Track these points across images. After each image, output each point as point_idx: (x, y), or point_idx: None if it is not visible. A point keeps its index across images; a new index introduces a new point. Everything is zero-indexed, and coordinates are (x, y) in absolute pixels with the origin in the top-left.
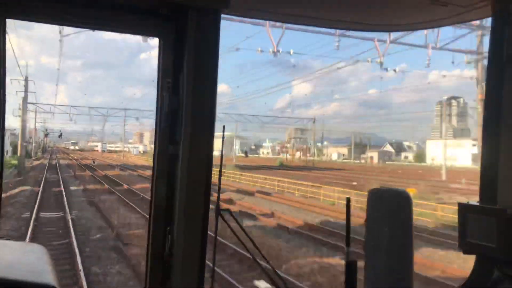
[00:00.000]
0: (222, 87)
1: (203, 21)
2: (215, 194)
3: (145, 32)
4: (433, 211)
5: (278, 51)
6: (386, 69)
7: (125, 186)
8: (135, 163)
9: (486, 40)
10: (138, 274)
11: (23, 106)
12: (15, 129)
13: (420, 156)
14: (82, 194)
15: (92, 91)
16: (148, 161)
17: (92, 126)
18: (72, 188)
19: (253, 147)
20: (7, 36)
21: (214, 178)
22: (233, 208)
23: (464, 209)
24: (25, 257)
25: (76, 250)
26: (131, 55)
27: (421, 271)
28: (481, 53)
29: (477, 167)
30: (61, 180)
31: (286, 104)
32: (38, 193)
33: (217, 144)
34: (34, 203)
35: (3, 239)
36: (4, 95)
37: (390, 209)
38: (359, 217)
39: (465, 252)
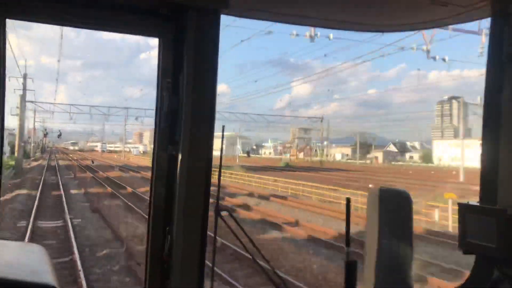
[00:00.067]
0: (222, 87)
1: (202, 21)
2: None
3: (145, 32)
4: None
5: (316, 34)
6: (434, 58)
7: (129, 189)
8: (137, 163)
9: None
10: None
11: (21, 104)
12: (14, 129)
13: (426, 156)
14: (83, 198)
15: (92, 91)
16: (150, 162)
17: (91, 126)
18: (73, 191)
19: (254, 147)
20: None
21: (214, 178)
22: (253, 215)
23: (464, 209)
24: (24, 257)
25: (81, 273)
26: (131, 55)
27: None
28: None
29: None
30: (60, 183)
31: (285, 104)
32: (35, 198)
33: (217, 144)
34: (31, 210)
35: (2, 239)
36: (4, 95)
37: (390, 209)
38: None
39: (465, 252)
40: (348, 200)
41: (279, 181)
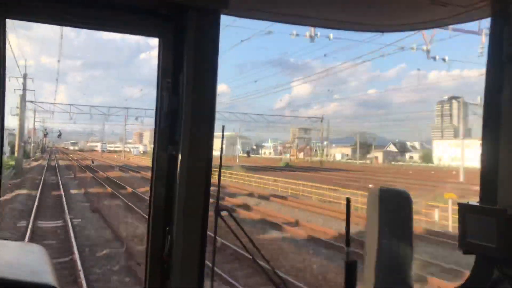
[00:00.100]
0: (221, 87)
1: (202, 21)
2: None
3: (145, 32)
4: None
5: (316, 34)
6: (434, 58)
7: (129, 189)
8: (137, 163)
9: None
10: None
11: (21, 104)
12: (14, 129)
13: (426, 156)
14: (83, 198)
15: (92, 91)
16: (150, 162)
17: (91, 126)
18: (73, 191)
19: (254, 147)
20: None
21: (214, 178)
22: (253, 215)
23: (464, 209)
24: (24, 257)
25: (82, 273)
26: (131, 55)
27: None
28: None
29: None
30: (60, 183)
31: (285, 104)
32: (35, 198)
33: (217, 144)
34: (31, 210)
35: (2, 239)
36: (4, 95)
37: (390, 209)
38: None
39: (465, 252)
40: (348, 200)
41: (279, 181)
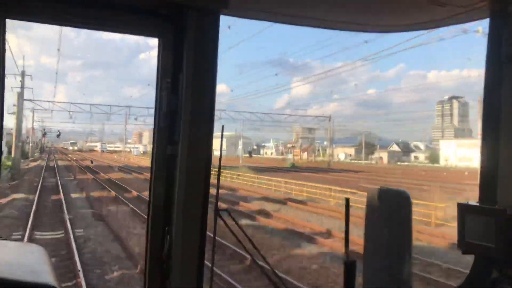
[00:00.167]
0: (221, 87)
1: (202, 22)
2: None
3: (145, 32)
4: None
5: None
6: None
7: (134, 192)
8: (138, 164)
9: None
10: None
11: (18, 102)
12: (12, 129)
13: (433, 157)
14: (85, 203)
15: (91, 91)
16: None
17: (91, 126)
18: (73, 195)
19: (255, 147)
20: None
21: (215, 178)
22: (276, 224)
23: (463, 209)
24: (24, 257)
25: None
26: (131, 55)
27: None
28: None
29: None
30: (60, 185)
31: (285, 104)
32: (33, 203)
33: (217, 144)
34: (28, 218)
35: (1, 239)
36: (3, 95)
37: (390, 209)
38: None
39: (464, 252)
40: (347, 201)
41: (291, 183)
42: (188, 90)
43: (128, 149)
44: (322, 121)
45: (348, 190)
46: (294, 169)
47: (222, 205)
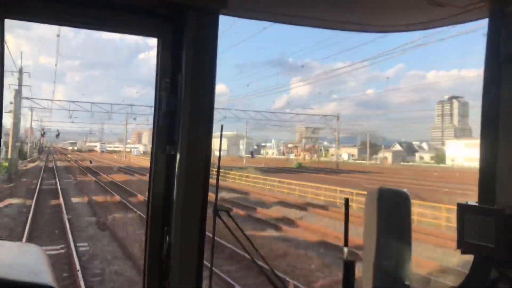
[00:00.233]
0: (220, 87)
1: (201, 22)
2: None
3: (144, 32)
4: None
5: None
6: None
7: (140, 196)
8: (140, 164)
9: None
10: None
11: (15, 100)
12: (9, 128)
13: (439, 157)
14: (88, 210)
15: (91, 91)
16: None
17: (90, 126)
18: (74, 200)
19: (255, 147)
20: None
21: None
22: (307, 235)
23: (462, 210)
24: (22, 257)
25: None
26: (130, 55)
27: None
28: None
29: None
30: (59, 188)
31: (284, 104)
32: (30, 210)
33: (217, 144)
34: (24, 227)
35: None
36: (2, 95)
37: (389, 209)
38: None
39: (463, 252)
40: (347, 200)
41: (303, 185)
42: (187, 90)
43: (129, 149)
44: (329, 121)
45: (363, 193)
46: (302, 170)
47: (239, 212)
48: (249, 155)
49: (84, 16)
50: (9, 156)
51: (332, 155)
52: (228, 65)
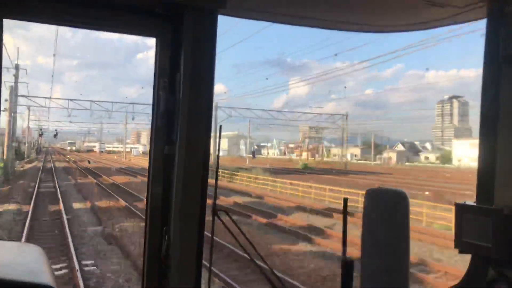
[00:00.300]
0: (218, 87)
1: (200, 21)
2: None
3: (143, 32)
4: None
5: None
6: None
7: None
8: (141, 165)
9: None
10: None
11: (10, 97)
12: (5, 128)
13: (445, 157)
14: (91, 217)
15: (88, 91)
16: None
17: (89, 125)
18: (75, 205)
19: (255, 147)
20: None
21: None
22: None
23: (460, 209)
24: (22, 257)
25: None
26: (129, 55)
27: None
28: None
29: None
30: (59, 192)
31: (283, 104)
32: (26, 218)
33: (222, 144)
34: (19, 240)
35: None
36: None
37: (387, 208)
38: None
39: (461, 252)
40: (345, 200)
41: (316, 188)
42: (185, 89)
43: (129, 149)
44: (337, 120)
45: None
46: (308, 171)
47: (260, 219)
48: (250, 155)
49: (83, 16)
50: (4, 157)
51: (335, 155)
52: (226, 65)
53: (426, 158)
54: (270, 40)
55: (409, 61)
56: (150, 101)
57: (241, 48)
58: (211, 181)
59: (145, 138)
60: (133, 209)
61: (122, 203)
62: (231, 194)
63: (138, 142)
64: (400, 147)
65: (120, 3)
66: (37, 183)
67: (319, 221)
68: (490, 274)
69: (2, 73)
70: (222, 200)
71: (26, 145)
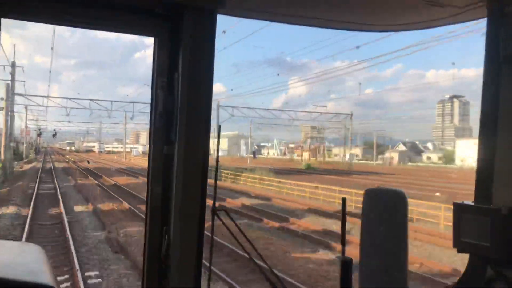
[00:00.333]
0: (216, 87)
1: (199, 21)
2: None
3: (141, 31)
4: None
5: None
6: None
7: None
8: (142, 165)
9: None
10: None
11: (7, 96)
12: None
13: (448, 157)
14: (95, 222)
15: (86, 90)
16: None
17: (87, 125)
18: (77, 209)
19: (255, 147)
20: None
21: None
22: None
23: (459, 209)
24: (22, 257)
25: None
26: (128, 54)
27: None
28: None
29: None
30: (59, 194)
31: (282, 104)
32: (25, 224)
33: (223, 144)
34: None
35: None
36: None
37: (386, 208)
38: None
39: (459, 251)
40: (344, 200)
41: (323, 189)
42: (184, 89)
43: (128, 149)
44: (342, 119)
45: (424, 202)
46: (312, 171)
47: (272, 223)
48: (251, 155)
49: (82, 16)
50: (2, 157)
51: (336, 155)
52: (224, 64)
53: (428, 158)
54: (269, 40)
55: (408, 60)
56: (146, 101)
57: (240, 47)
58: (210, 181)
59: (144, 138)
60: (137, 211)
61: (125, 205)
62: (237, 196)
63: (137, 142)
64: (401, 147)
65: (120, 3)
66: (37, 184)
67: (334, 225)
68: (488, 273)
69: None
70: (229, 202)
71: (25, 145)
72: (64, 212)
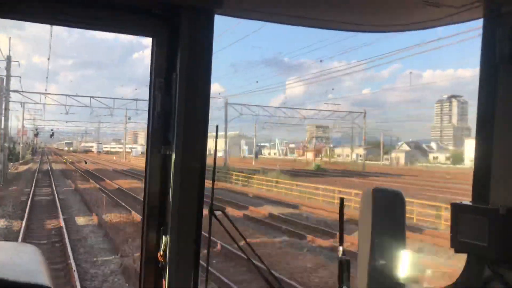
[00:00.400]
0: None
1: (196, 21)
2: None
3: (139, 32)
4: None
5: None
6: None
7: None
8: (142, 166)
9: None
10: None
11: (1, 91)
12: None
13: (456, 157)
14: (101, 237)
15: (84, 91)
16: None
17: (86, 125)
18: (79, 220)
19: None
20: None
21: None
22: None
23: (456, 209)
24: (18, 257)
25: None
26: (126, 54)
27: None
28: None
29: None
30: (57, 200)
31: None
32: (17, 240)
33: (221, 144)
34: None
35: None
36: None
37: (384, 208)
38: None
39: (456, 251)
40: (342, 200)
41: (350, 193)
42: (182, 89)
43: (128, 149)
44: (356, 118)
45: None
46: (323, 173)
47: (317, 240)
48: (253, 156)
49: (79, 16)
50: None
51: (339, 155)
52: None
53: (435, 158)
54: (267, 40)
55: (406, 61)
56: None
57: (238, 47)
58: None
59: (143, 138)
60: None
61: (135, 216)
62: (257, 202)
63: (135, 142)
64: (405, 147)
65: (118, 3)
66: (32, 189)
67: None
68: (486, 273)
69: None
70: (252, 211)
71: (21, 145)
72: (64, 227)
